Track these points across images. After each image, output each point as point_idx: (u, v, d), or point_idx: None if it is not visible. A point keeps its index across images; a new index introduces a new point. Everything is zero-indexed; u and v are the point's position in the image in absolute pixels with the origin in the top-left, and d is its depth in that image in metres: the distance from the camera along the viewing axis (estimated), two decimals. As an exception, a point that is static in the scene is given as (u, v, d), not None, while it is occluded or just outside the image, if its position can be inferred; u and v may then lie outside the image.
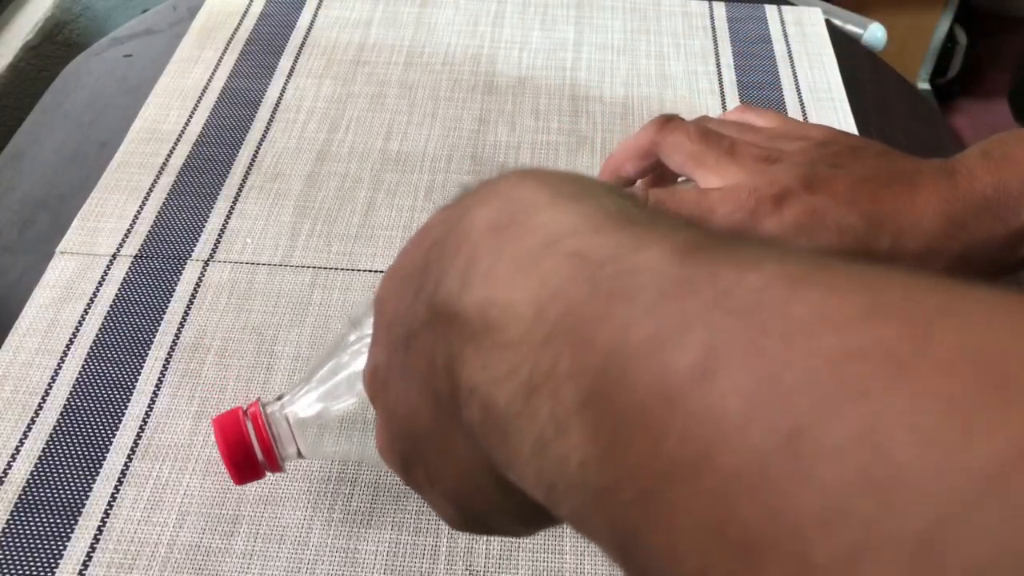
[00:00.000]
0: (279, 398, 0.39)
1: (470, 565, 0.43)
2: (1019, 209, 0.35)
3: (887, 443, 0.13)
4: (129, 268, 0.55)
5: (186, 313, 0.53)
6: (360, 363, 0.37)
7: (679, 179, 0.41)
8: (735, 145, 0.37)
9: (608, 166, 0.42)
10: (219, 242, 0.57)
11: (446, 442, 0.23)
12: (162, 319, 0.52)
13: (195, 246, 0.57)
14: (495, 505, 0.24)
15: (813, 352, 0.15)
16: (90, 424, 0.47)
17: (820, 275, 0.16)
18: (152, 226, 0.58)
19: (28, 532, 0.43)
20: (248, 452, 0.38)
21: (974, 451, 0.12)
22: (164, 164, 0.62)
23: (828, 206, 0.34)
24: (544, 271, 0.20)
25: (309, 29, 0.75)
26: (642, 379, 0.17)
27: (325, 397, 0.38)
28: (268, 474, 0.39)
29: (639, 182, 0.42)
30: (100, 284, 0.54)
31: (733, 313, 0.16)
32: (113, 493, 0.45)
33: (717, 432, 0.15)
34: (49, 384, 0.49)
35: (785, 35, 0.75)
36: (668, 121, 0.39)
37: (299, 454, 0.39)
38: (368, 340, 0.37)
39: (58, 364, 0.50)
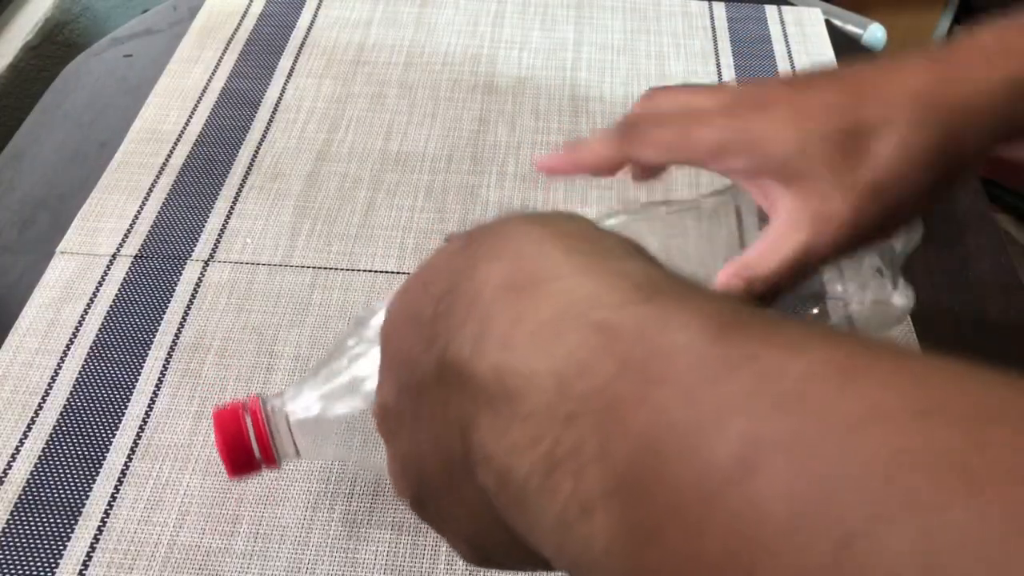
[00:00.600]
0: (280, 395, 0.39)
1: (470, 565, 0.43)
2: (1009, 60, 0.32)
3: (948, 564, 0.12)
4: (129, 268, 0.55)
5: (186, 313, 0.53)
6: (360, 368, 0.37)
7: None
8: (718, 85, 0.38)
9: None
10: (219, 242, 0.57)
11: (458, 491, 0.23)
12: (162, 319, 0.52)
13: (195, 246, 0.57)
14: (508, 549, 0.24)
15: (865, 453, 0.14)
16: (90, 424, 0.47)
17: (869, 365, 0.15)
18: (152, 226, 0.58)
19: (28, 532, 0.43)
20: (245, 447, 0.38)
21: None
22: (164, 164, 0.62)
23: (812, 95, 0.33)
24: (568, 343, 0.19)
25: (309, 29, 0.75)
26: (681, 470, 0.15)
27: (325, 399, 0.38)
28: (267, 471, 0.39)
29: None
30: (100, 284, 0.54)
31: (777, 402, 0.15)
32: (113, 493, 0.45)
33: (760, 536, 0.14)
34: (49, 384, 0.49)
35: (785, 35, 0.75)
36: (653, 89, 0.39)
37: (297, 453, 0.39)
38: (369, 344, 0.37)
39: (58, 364, 0.50)
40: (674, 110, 0.36)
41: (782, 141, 0.33)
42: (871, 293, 0.41)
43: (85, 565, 0.42)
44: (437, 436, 0.23)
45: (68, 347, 0.51)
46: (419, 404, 0.23)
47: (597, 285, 0.20)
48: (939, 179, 0.33)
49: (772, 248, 0.33)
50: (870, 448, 0.14)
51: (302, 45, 0.73)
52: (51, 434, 0.47)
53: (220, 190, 0.60)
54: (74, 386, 0.49)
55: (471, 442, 0.21)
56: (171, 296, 0.54)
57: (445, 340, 0.22)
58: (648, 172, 0.40)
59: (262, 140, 0.64)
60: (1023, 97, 0.32)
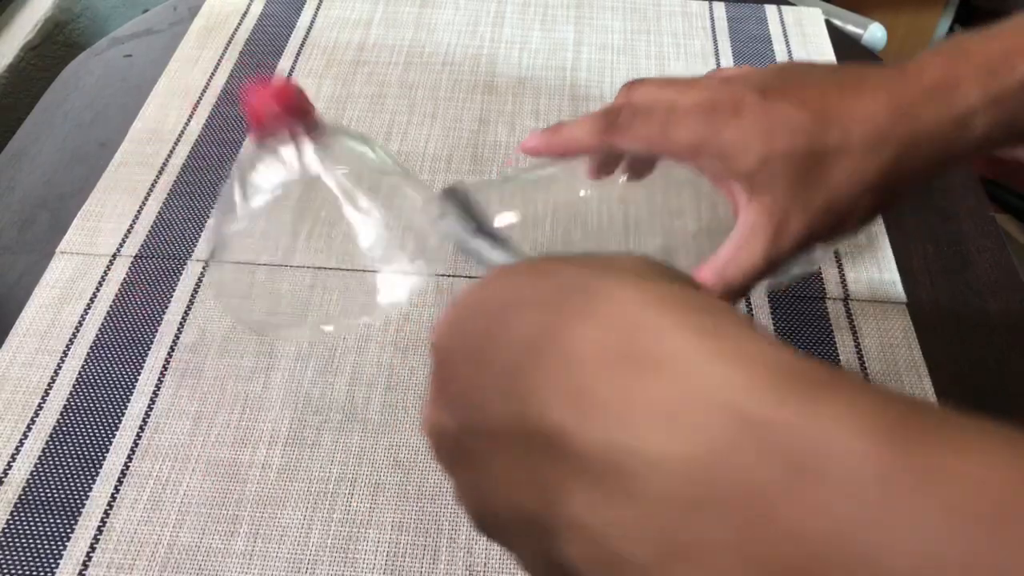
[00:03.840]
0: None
1: (470, 566, 0.43)
2: (968, 93, 0.36)
3: None
4: (129, 268, 0.55)
5: (186, 313, 0.53)
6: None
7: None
8: (697, 78, 0.40)
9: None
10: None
11: (526, 539, 0.22)
12: (162, 319, 0.52)
13: (195, 246, 0.57)
14: None
15: None
16: (90, 424, 0.47)
17: None
18: (152, 226, 0.58)
19: (28, 532, 0.43)
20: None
21: None
22: (164, 164, 0.62)
23: (780, 109, 0.36)
24: (700, 428, 0.18)
25: (309, 29, 0.75)
26: None
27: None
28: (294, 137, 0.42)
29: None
30: (100, 284, 0.54)
31: (977, 520, 0.14)
32: (113, 493, 0.45)
33: None
34: (49, 384, 0.49)
35: (785, 35, 0.75)
36: (632, 81, 0.41)
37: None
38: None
39: (58, 364, 0.50)
40: (654, 105, 0.39)
41: (750, 154, 0.36)
42: None
43: (85, 565, 0.42)
44: (512, 489, 0.22)
45: (68, 347, 0.51)
46: (489, 453, 0.22)
47: (730, 370, 0.19)
48: (881, 202, 0.37)
49: (740, 253, 0.37)
50: None
51: (302, 45, 0.73)
52: (51, 434, 0.47)
53: (220, 190, 0.60)
54: (74, 386, 0.49)
55: (558, 510, 0.20)
56: (171, 296, 0.54)
57: (528, 400, 0.21)
58: (637, 172, 0.43)
59: (262, 140, 0.64)
60: (964, 133, 0.36)
